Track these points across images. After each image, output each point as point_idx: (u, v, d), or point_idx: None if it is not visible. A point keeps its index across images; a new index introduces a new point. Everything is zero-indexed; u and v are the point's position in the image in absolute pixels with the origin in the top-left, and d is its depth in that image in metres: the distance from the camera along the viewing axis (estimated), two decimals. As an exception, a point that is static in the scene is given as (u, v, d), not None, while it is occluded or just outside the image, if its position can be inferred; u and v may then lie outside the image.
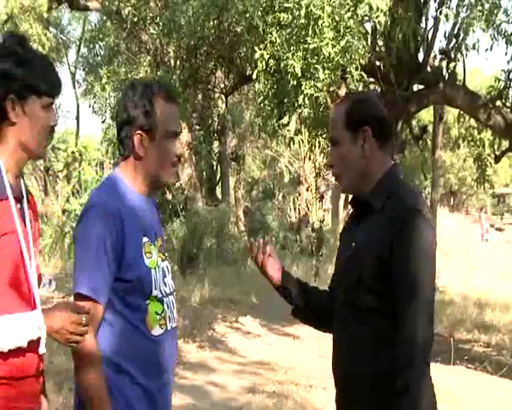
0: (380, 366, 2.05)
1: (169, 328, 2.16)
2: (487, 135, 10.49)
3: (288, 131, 7.57)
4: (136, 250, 2.08)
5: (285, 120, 7.33)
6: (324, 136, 9.43)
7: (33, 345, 1.84)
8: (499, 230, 35.45)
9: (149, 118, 2.12)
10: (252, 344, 8.27)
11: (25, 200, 1.99)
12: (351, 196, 2.30)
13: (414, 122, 10.89)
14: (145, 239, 2.12)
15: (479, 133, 10.77)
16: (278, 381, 6.53)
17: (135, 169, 2.16)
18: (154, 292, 2.11)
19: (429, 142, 12.77)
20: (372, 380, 2.06)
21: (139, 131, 2.12)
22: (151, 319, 2.10)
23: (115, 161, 18.13)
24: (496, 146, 10.10)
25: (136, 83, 2.22)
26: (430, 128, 12.73)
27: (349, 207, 2.40)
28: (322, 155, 16.74)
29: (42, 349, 1.85)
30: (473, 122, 10.65)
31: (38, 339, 1.83)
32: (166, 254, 2.27)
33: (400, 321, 2.00)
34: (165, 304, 2.15)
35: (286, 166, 23.71)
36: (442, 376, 6.38)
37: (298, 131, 8.10)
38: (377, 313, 2.05)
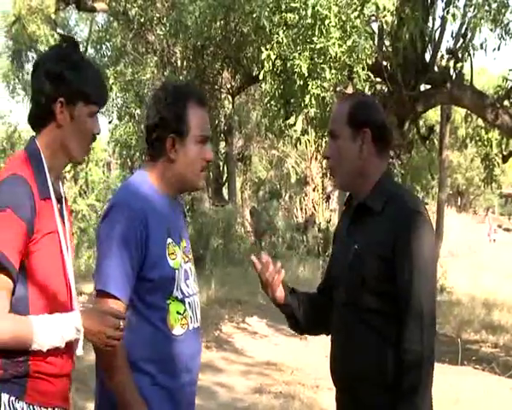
0: (383, 366, 2.06)
1: (191, 328, 2.16)
2: (495, 135, 10.45)
3: (295, 131, 7.56)
4: (160, 250, 2.09)
5: (291, 120, 7.32)
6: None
7: (70, 346, 1.87)
8: (507, 230, 35.32)
9: (182, 122, 2.13)
10: (258, 345, 8.27)
11: (63, 200, 2.02)
12: (345, 198, 2.33)
13: (421, 122, 10.86)
14: (169, 240, 2.13)
15: (486, 133, 10.73)
16: (285, 381, 6.53)
17: (163, 172, 2.16)
18: (176, 293, 2.11)
19: (436, 142, 12.74)
20: (375, 380, 2.07)
21: (172, 135, 2.13)
22: (172, 318, 2.10)
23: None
24: (503, 146, 10.07)
25: (168, 85, 2.24)
26: (437, 128, 12.70)
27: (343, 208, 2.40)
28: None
29: (79, 351, 1.87)
30: (480, 122, 10.61)
31: (76, 340, 1.85)
32: (190, 256, 2.26)
33: (405, 322, 2.02)
34: (186, 304, 2.15)
35: (292, 167, 23.68)
36: (449, 376, 6.36)
37: (304, 132, 8.09)
38: (380, 313, 2.07)
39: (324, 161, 18.58)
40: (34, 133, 1.96)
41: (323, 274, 2.37)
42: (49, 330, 1.78)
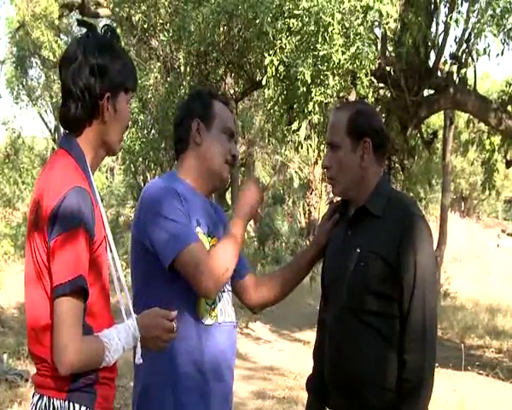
0: (387, 368, 2.07)
1: (220, 321, 2.16)
2: (497, 140, 10.45)
3: (298, 136, 7.58)
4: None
5: (295, 125, 7.33)
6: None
7: None
8: (511, 235, 35.21)
9: (208, 108, 2.21)
10: (262, 350, 8.27)
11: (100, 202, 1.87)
12: (337, 201, 2.35)
13: (424, 127, 10.86)
14: (199, 229, 2.14)
15: (488, 138, 10.73)
16: (288, 386, 6.53)
17: (191, 161, 2.21)
18: None
19: (440, 147, 12.73)
20: (379, 383, 2.08)
21: (197, 120, 2.20)
22: (201, 307, 2.11)
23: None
24: (506, 151, 10.06)
25: (194, 92, 2.43)
26: (440, 133, 12.69)
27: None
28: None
29: (139, 360, 1.80)
30: (482, 126, 10.61)
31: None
32: None
33: (409, 325, 2.05)
34: (217, 297, 2.15)
35: (296, 172, 23.69)
36: (453, 382, 6.35)
37: (307, 137, 8.10)
38: (384, 316, 2.09)
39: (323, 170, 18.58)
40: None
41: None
42: (116, 346, 1.72)
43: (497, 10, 7.34)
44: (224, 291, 2.20)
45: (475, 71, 8.55)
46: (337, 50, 6.58)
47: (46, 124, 27.38)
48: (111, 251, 1.81)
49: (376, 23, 7.48)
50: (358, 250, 2.13)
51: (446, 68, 8.75)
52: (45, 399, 1.71)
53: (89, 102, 1.78)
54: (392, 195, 2.21)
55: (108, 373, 1.78)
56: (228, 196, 20.41)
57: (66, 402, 1.70)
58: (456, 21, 7.62)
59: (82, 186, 1.71)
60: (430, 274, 2.09)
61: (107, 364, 1.72)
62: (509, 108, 8.30)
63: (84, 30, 1.86)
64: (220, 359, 2.15)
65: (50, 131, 27.37)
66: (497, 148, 10.47)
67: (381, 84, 8.99)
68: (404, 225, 2.08)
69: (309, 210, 20.00)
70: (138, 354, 1.78)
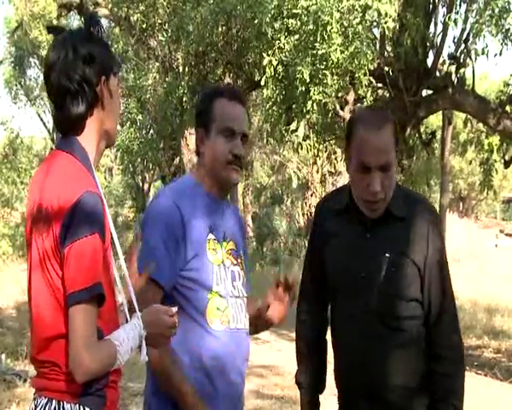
0: (416, 370, 2.09)
1: (232, 327, 2.14)
2: (495, 140, 10.46)
3: (297, 136, 7.58)
4: (197, 244, 2.10)
5: (293, 125, 7.34)
6: (332, 141, 9.43)
7: None
8: (509, 235, 35.25)
9: (206, 115, 2.19)
10: (260, 349, 8.26)
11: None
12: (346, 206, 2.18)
13: (422, 128, 10.88)
14: (211, 236, 2.14)
15: (486, 138, 10.74)
16: (286, 386, 6.52)
17: (200, 167, 2.24)
18: (216, 287, 2.11)
19: (438, 147, 12.75)
20: (411, 385, 2.09)
21: (199, 129, 2.21)
22: (211, 313, 2.10)
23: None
24: (505, 151, 10.07)
25: (200, 94, 2.32)
26: (439, 133, 12.71)
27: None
28: (328, 160, 16.73)
29: (144, 357, 1.78)
30: (481, 127, 10.62)
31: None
32: (240, 261, 2.24)
33: (441, 327, 2.08)
34: (229, 303, 2.14)
35: (294, 172, 23.71)
36: (452, 382, 6.34)
37: (306, 137, 8.11)
38: (415, 319, 2.09)
39: (324, 167, 18.61)
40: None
41: (310, 284, 2.29)
42: (126, 347, 1.71)
43: (496, 10, 7.35)
44: (238, 297, 2.19)
45: (474, 71, 8.55)
46: (336, 50, 6.60)
47: (44, 124, 27.35)
48: (115, 249, 1.80)
49: (375, 23, 7.49)
50: (387, 255, 2.07)
51: (445, 68, 8.76)
52: (54, 402, 1.70)
53: (88, 92, 1.77)
54: (404, 193, 2.17)
55: (115, 377, 1.78)
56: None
57: (77, 406, 1.70)
58: (455, 21, 7.64)
59: (93, 191, 1.69)
60: (449, 274, 2.13)
61: (118, 366, 1.71)
62: (507, 108, 8.31)
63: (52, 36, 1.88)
64: (230, 364, 2.14)
65: (49, 131, 27.34)
66: (495, 148, 10.48)
67: (380, 84, 9.00)
68: (428, 223, 2.08)
69: (308, 210, 20.01)
70: (144, 352, 1.77)
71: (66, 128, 1.80)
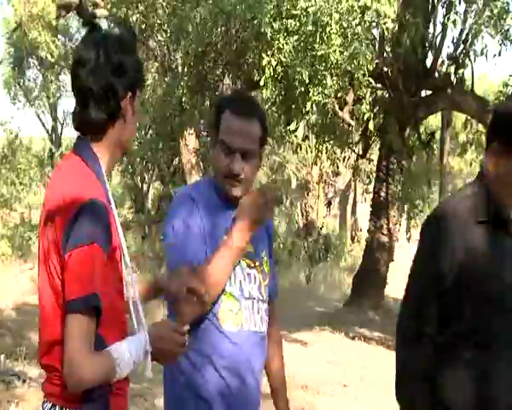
0: None
1: (246, 329, 2.13)
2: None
3: (296, 137, 7.59)
4: (213, 240, 2.10)
5: (292, 126, 7.34)
6: (331, 142, 9.43)
7: None
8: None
9: (215, 123, 2.19)
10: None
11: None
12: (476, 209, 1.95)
13: (421, 128, 10.88)
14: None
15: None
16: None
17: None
18: (229, 288, 2.10)
19: (437, 148, 12.74)
20: None
21: (210, 134, 2.23)
22: (223, 313, 2.10)
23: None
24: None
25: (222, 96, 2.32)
26: (438, 134, 12.71)
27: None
28: (328, 161, 16.74)
29: (149, 374, 1.75)
30: (480, 127, 10.63)
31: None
32: (257, 264, 2.22)
33: None
34: (242, 305, 2.13)
35: (293, 173, 23.71)
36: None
37: (305, 138, 8.11)
38: None
39: (324, 168, 18.58)
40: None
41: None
42: (127, 361, 1.68)
43: (495, 11, 7.37)
44: (253, 299, 2.17)
45: (473, 72, 8.57)
46: (335, 50, 6.60)
47: (43, 124, 27.34)
48: (124, 259, 1.77)
49: (374, 23, 7.49)
50: None
51: (444, 69, 8.77)
52: (57, 408, 1.70)
53: (112, 103, 1.71)
54: None
55: (122, 384, 1.76)
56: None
57: None
58: (454, 22, 7.65)
59: (97, 198, 1.66)
60: None
61: (116, 379, 1.69)
62: (506, 108, 8.31)
63: (81, 33, 1.82)
64: (243, 366, 2.14)
65: (48, 131, 27.33)
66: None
67: (379, 85, 9.00)
68: None
69: (306, 211, 20.01)
70: (149, 368, 1.74)
71: (85, 129, 1.77)
